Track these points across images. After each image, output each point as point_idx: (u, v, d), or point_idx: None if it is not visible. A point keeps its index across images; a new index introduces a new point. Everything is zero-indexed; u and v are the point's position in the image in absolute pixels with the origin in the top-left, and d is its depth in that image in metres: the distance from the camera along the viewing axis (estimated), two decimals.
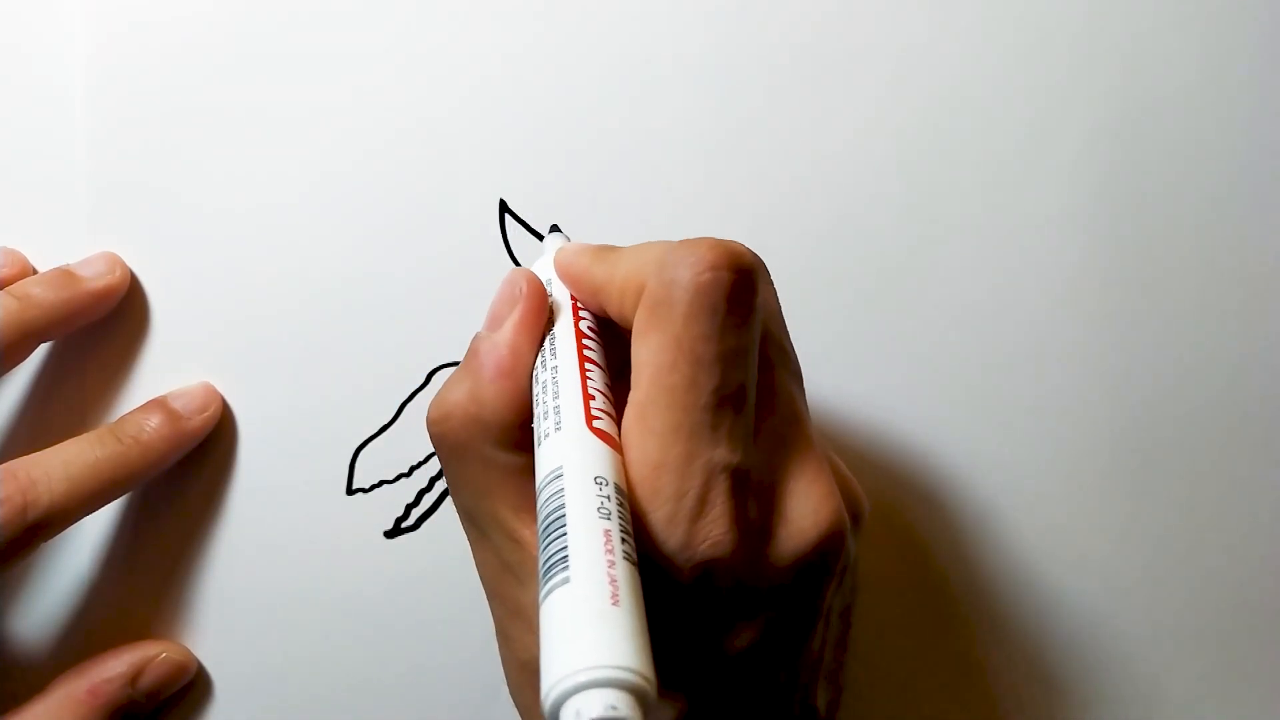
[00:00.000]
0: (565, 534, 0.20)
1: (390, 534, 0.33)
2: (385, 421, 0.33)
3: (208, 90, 0.33)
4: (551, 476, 0.22)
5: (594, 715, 0.18)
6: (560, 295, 0.27)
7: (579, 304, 0.26)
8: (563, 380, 0.24)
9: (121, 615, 0.33)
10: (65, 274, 0.31)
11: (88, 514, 0.30)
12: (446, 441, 0.25)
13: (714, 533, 0.22)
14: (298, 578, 0.33)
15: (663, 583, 0.22)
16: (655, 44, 0.33)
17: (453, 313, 0.33)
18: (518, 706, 0.26)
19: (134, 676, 0.31)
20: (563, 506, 0.21)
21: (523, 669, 0.25)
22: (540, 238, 0.33)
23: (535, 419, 0.24)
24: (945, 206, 0.33)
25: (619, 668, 0.18)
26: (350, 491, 0.33)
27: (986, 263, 0.33)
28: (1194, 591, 0.34)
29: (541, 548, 0.21)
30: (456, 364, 0.32)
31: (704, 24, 0.33)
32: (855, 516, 0.26)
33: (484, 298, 0.26)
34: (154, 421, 0.31)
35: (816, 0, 0.33)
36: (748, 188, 0.33)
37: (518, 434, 0.24)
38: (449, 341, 0.33)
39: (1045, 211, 0.33)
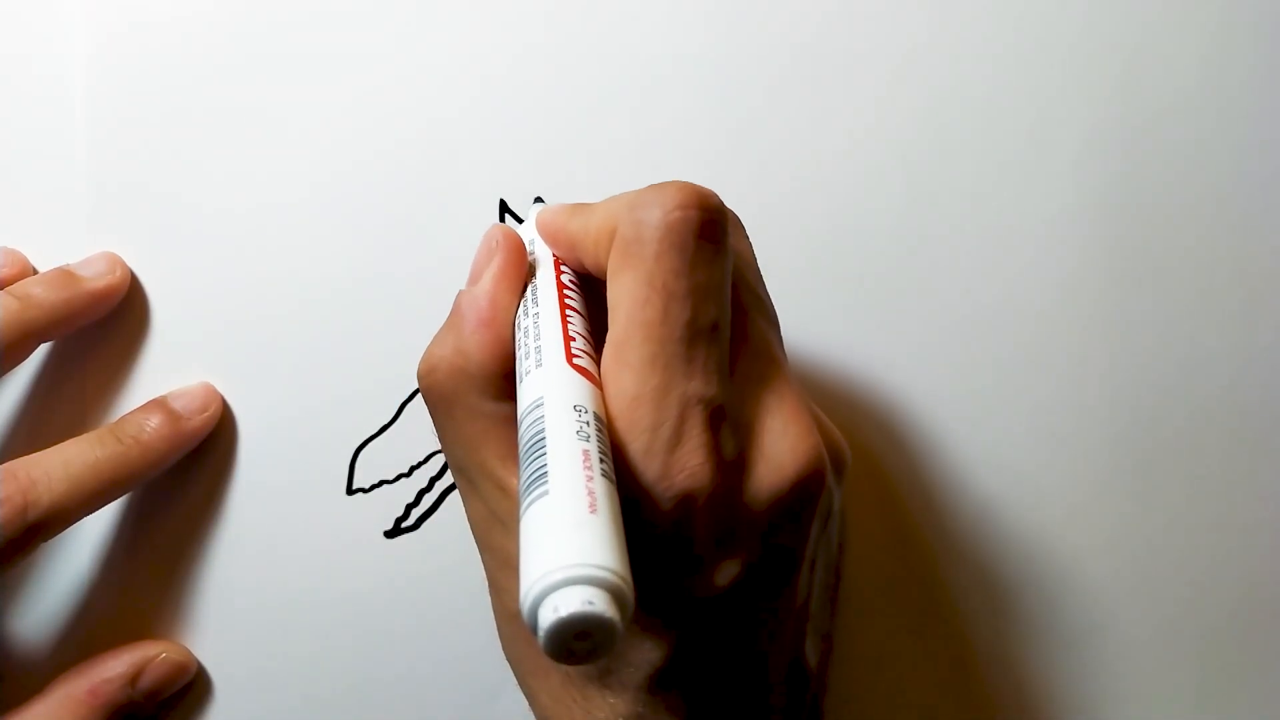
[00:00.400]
0: (545, 453, 0.21)
1: (390, 534, 0.33)
2: (385, 421, 0.33)
3: (208, 90, 0.33)
4: (532, 406, 0.22)
5: (572, 610, 0.18)
6: (543, 253, 0.27)
7: (560, 261, 0.27)
8: (544, 323, 0.24)
9: (121, 615, 0.33)
10: (65, 274, 0.31)
11: (88, 514, 0.30)
12: (434, 394, 0.25)
13: (691, 463, 0.22)
14: (298, 578, 0.33)
15: (643, 518, 0.23)
16: (655, 44, 0.33)
17: None
18: (509, 659, 0.26)
19: (134, 676, 0.31)
20: (542, 431, 0.21)
21: (513, 619, 0.25)
22: None
23: (517, 362, 0.24)
24: (945, 206, 0.33)
25: (596, 566, 0.18)
26: (350, 491, 0.33)
27: (986, 263, 0.33)
28: (1194, 591, 0.34)
29: (522, 468, 0.21)
30: None
31: (704, 24, 0.33)
32: (837, 463, 0.26)
33: None
34: (154, 421, 0.31)
35: (816, 0, 0.33)
36: (748, 188, 0.33)
37: (502, 383, 0.24)
38: None
39: (1045, 212, 0.33)
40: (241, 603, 0.33)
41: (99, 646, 0.32)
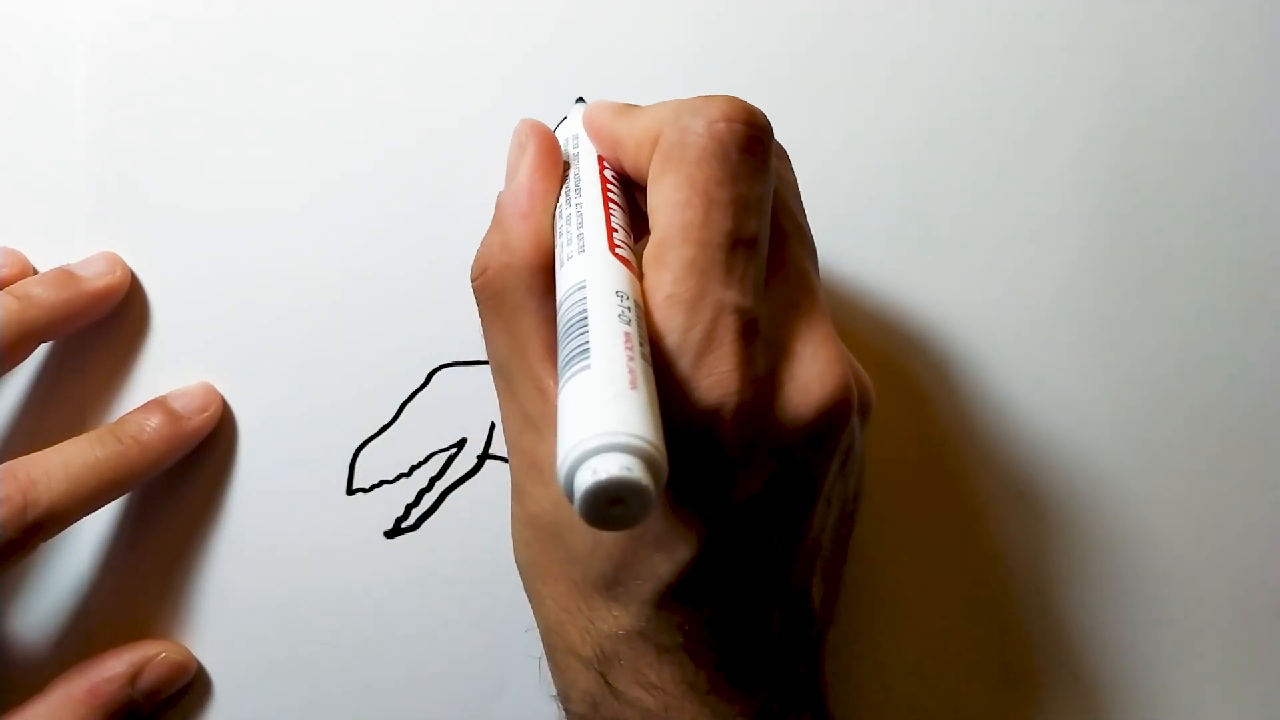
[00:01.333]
0: (586, 330, 0.21)
1: (390, 534, 0.33)
2: (385, 421, 0.33)
3: (208, 91, 0.33)
4: (574, 289, 0.22)
5: (610, 474, 0.18)
6: (585, 148, 0.27)
7: (604, 159, 0.27)
8: (587, 212, 0.24)
9: (121, 615, 0.33)
10: (65, 274, 0.31)
11: (88, 514, 0.30)
12: (486, 292, 0.25)
13: (719, 369, 0.22)
14: (298, 578, 0.33)
15: (670, 421, 0.22)
16: (655, 45, 0.33)
17: (453, 313, 0.33)
18: (520, 564, 0.26)
19: (134, 676, 0.31)
20: (584, 311, 0.21)
21: (531, 523, 0.25)
22: None
23: (558, 249, 0.24)
24: (945, 207, 0.33)
25: (634, 435, 0.19)
26: (350, 491, 0.33)
27: (986, 263, 0.33)
28: (1194, 590, 0.34)
29: (561, 346, 0.21)
30: (457, 363, 0.32)
31: (704, 24, 0.33)
32: (863, 403, 0.26)
33: None
34: (154, 421, 0.31)
35: (816, 2, 0.33)
36: None
37: (548, 277, 0.24)
38: (449, 341, 0.33)
39: (1045, 211, 0.33)
40: (241, 603, 0.33)
41: (99, 646, 0.32)
